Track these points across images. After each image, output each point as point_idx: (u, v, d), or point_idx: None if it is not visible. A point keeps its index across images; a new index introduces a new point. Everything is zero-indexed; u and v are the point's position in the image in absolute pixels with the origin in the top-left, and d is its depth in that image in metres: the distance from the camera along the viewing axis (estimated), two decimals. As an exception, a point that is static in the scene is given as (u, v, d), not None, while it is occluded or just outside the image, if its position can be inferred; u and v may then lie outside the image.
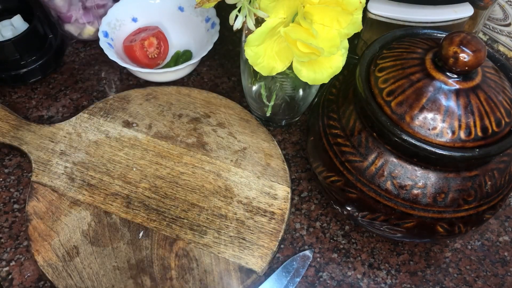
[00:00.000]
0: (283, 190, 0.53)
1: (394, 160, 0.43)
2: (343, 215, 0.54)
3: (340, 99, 0.48)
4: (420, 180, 0.42)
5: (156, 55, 0.63)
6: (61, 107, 0.62)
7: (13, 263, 0.49)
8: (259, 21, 0.42)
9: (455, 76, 0.41)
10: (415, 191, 0.42)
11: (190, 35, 0.68)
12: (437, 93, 0.41)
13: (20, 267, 0.49)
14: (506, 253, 0.53)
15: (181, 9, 0.68)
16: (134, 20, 0.67)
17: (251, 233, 0.50)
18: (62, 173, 0.53)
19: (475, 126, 0.40)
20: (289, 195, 0.53)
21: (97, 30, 0.66)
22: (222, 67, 0.68)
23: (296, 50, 0.42)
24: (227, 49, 0.70)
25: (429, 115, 0.40)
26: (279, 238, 0.50)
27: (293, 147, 0.60)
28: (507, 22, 0.68)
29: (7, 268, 0.49)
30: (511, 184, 0.45)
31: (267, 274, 0.50)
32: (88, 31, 0.67)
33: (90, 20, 0.66)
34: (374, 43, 0.47)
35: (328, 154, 0.46)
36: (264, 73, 0.45)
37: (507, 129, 0.41)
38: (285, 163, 0.55)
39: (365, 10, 0.55)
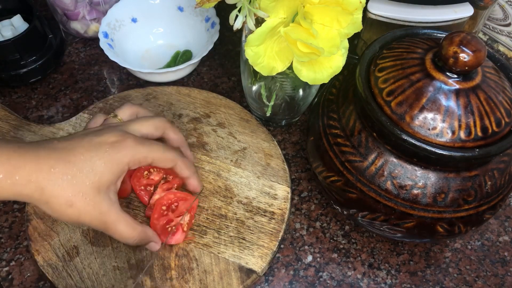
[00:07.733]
0: (283, 190, 0.53)
1: (394, 160, 0.43)
2: (343, 215, 0.54)
3: (340, 99, 0.48)
4: (420, 180, 0.42)
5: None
6: (61, 107, 0.62)
7: (13, 263, 0.49)
8: (259, 21, 0.42)
9: (455, 76, 0.41)
10: (415, 191, 0.42)
11: (190, 35, 0.68)
12: (437, 93, 0.41)
13: (20, 267, 0.49)
14: (506, 253, 0.53)
15: (180, 9, 0.68)
16: (134, 20, 0.67)
17: (251, 233, 0.50)
18: (62, 173, 0.53)
19: (475, 126, 0.40)
20: (289, 195, 0.53)
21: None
22: (222, 67, 0.68)
23: (296, 50, 0.42)
24: (227, 49, 0.70)
25: (429, 115, 0.40)
26: (279, 238, 0.50)
27: (293, 147, 0.60)
28: (507, 22, 0.68)
29: (7, 268, 0.49)
30: (511, 184, 0.45)
31: (267, 274, 0.50)
32: (94, 28, 0.68)
33: (95, 17, 0.67)
34: (374, 43, 0.47)
35: (328, 154, 0.46)
36: (264, 73, 0.45)
37: (507, 129, 0.41)
38: (285, 163, 0.55)
39: (365, 10, 0.55)
